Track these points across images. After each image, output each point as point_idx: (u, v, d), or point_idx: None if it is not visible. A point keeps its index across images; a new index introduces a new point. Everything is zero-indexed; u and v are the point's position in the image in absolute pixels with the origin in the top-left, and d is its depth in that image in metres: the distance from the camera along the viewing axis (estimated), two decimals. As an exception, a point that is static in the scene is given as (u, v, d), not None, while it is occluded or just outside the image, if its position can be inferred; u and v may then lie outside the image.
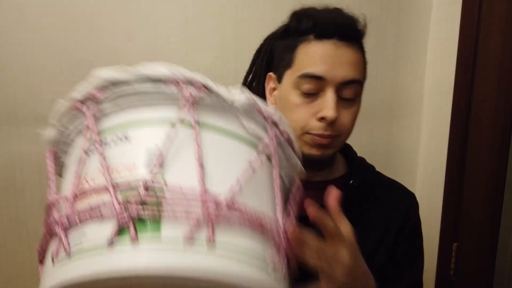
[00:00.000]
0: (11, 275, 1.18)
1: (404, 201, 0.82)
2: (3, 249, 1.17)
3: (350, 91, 0.71)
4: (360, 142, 1.27)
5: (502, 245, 1.10)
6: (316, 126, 0.71)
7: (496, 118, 1.05)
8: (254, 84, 0.86)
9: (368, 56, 1.23)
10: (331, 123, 0.70)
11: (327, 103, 0.69)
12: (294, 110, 0.72)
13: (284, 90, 0.74)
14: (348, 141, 0.81)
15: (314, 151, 0.73)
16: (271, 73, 0.79)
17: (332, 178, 0.82)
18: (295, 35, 0.74)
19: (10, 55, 1.09)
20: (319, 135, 0.71)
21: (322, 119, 0.70)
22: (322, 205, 0.72)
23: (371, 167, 0.86)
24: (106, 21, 1.11)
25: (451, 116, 1.16)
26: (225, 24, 1.17)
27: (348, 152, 0.88)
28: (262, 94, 0.82)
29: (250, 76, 0.87)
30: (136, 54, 1.13)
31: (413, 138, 1.30)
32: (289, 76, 0.73)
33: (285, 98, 0.74)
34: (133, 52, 1.13)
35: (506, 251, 1.12)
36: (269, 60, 0.81)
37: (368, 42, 1.23)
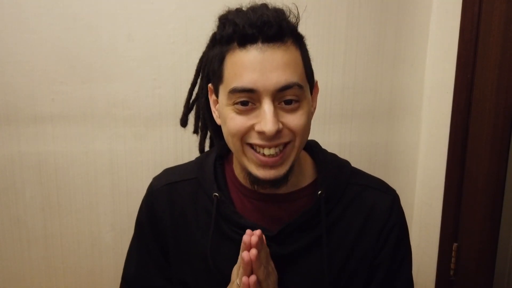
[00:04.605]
0: (11, 275, 1.18)
1: (382, 203, 0.76)
2: (3, 249, 1.17)
3: (290, 96, 0.64)
4: (360, 142, 1.28)
5: (502, 245, 1.10)
6: (256, 137, 0.65)
7: (496, 117, 1.05)
8: (200, 96, 0.81)
9: (368, 56, 1.24)
10: (275, 135, 0.63)
11: (264, 116, 0.63)
12: (231, 124, 0.66)
13: (221, 105, 0.69)
14: (350, 141, 0.77)
15: (262, 173, 0.66)
16: (210, 85, 0.74)
17: (298, 188, 0.75)
18: (221, 43, 0.68)
19: (10, 55, 1.09)
20: (261, 146, 0.65)
21: (261, 133, 0.64)
22: (287, 218, 0.72)
23: (343, 166, 0.80)
24: (106, 21, 1.11)
25: (451, 116, 1.16)
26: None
27: (315, 152, 0.80)
28: (207, 107, 0.78)
29: (197, 87, 0.82)
30: (136, 54, 1.13)
31: (413, 138, 1.30)
32: (222, 92, 0.68)
33: (222, 114, 0.68)
34: (133, 52, 1.13)
35: (506, 251, 1.12)
36: (209, 69, 0.75)
37: (368, 42, 1.23)
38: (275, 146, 0.65)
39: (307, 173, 0.77)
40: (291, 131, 0.66)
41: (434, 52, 1.24)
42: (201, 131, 0.85)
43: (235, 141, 0.67)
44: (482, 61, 1.07)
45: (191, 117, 0.86)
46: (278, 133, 0.64)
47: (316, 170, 0.78)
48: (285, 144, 0.66)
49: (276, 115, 0.63)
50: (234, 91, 0.64)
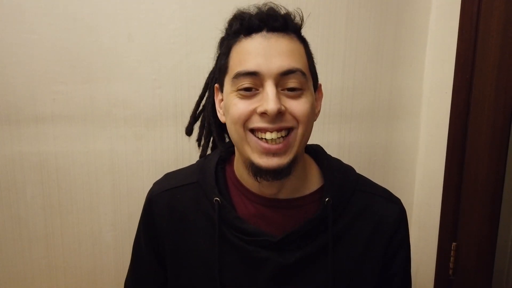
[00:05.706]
0: (11, 274, 1.18)
1: (390, 214, 0.76)
2: (4, 248, 1.17)
3: (293, 82, 0.65)
4: (359, 142, 1.28)
5: (501, 244, 1.11)
6: (259, 120, 0.65)
7: (495, 118, 1.05)
8: (207, 105, 0.81)
9: (368, 56, 1.24)
10: (277, 116, 0.64)
11: (266, 97, 0.63)
12: (234, 109, 0.66)
13: (225, 96, 0.69)
14: (349, 141, 0.77)
15: (264, 162, 0.65)
16: (216, 85, 0.75)
17: (303, 195, 0.74)
18: (228, 39, 0.71)
19: (10, 55, 1.09)
20: (263, 129, 0.64)
21: (263, 114, 0.64)
22: (291, 225, 0.71)
23: (349, 173, 0.79)
24: (106, 21, 1.11)
25: (450, 116, 1.16)
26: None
27: (319, 158, 0.79)
28: (213, 111, 0.79)
29: (205, 99, 0.83)
30: (136, 54, 1.13)
31: (412, 138, 1.30)
32: (227, 82, 0.69)
33: (226, 104, 0.69)
34: (133, 52, 1.13)
35: (505, 250, 1.13)
36: (215, 70, 0.77)
37: (368, 42, 1.24)
38: (278, 130, 0.65)
39: (313, 180, 0.76)
40: (294, 117, 0.66)
41: (433, 52, 1.24)
42: (204, 139, 0.85)
43: (237, 128, 0.67)
44: (481, 61, 1.08)
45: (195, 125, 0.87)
46: (280, 115, 0.65)
47: (322, 177, 0.77)
48: (288, 131, 0.66)
49: (278, 97, 0.64)
50: (238, 75, 0.65)
